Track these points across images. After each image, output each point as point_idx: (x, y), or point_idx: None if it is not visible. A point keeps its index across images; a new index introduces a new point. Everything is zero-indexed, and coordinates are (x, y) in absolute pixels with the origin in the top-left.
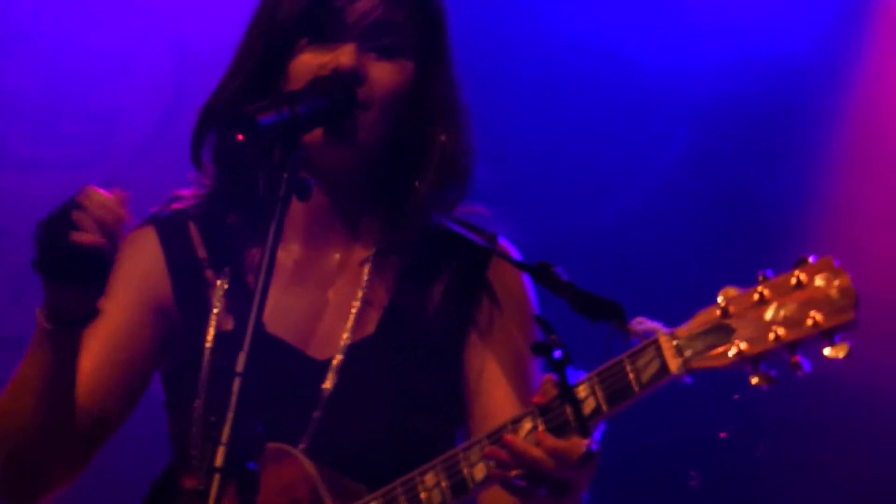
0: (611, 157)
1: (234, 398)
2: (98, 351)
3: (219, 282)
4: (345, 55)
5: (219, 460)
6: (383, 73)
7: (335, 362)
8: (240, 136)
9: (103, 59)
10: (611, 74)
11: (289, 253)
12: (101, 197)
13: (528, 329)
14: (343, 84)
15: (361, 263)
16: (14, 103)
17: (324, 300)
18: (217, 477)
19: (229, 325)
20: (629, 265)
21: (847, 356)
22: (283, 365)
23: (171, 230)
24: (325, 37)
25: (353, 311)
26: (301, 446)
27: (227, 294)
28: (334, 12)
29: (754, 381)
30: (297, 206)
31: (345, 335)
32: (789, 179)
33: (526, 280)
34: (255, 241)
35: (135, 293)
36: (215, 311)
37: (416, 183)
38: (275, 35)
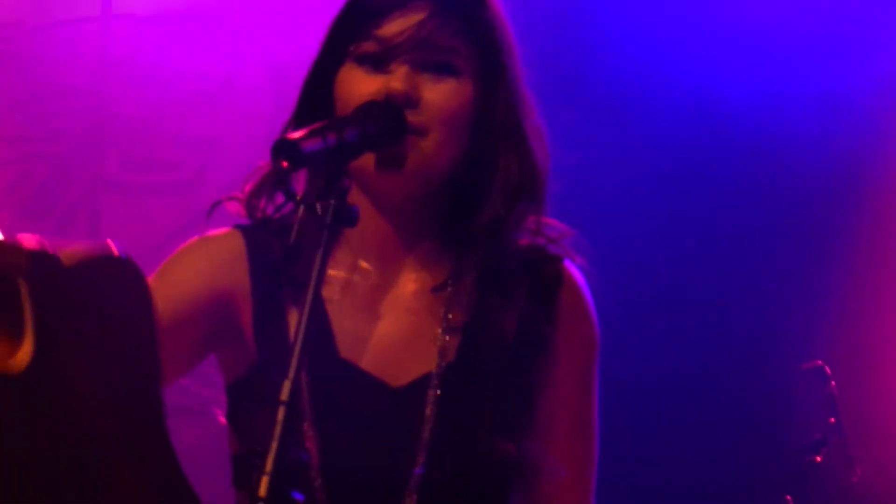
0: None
1: (278, 427)
2: None
3: (293, 310)
4: (396, 80)
5: (262, 490)
6: (439, 96)
7: (430, 392)
8: (284, 163)
9: (202, 82)
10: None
11: (363, 277)
12: None
13: (591, 356)
14: (392, 110)
15: (435, 290)
16: (113, 128)
17: (400, 327)
18: None
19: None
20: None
21: None
22: (367, 398)
23: (256, 239)
24: (375, 62)
25: (437, 337)
26: (414, 476)
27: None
28: (377, 36)
29: None
30: (368, 232)
31: (431, 361)
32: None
33: (590, 306)
34: (332, 257)
35: (203, 277)
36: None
37: (483, 209)
38: (322, 68)
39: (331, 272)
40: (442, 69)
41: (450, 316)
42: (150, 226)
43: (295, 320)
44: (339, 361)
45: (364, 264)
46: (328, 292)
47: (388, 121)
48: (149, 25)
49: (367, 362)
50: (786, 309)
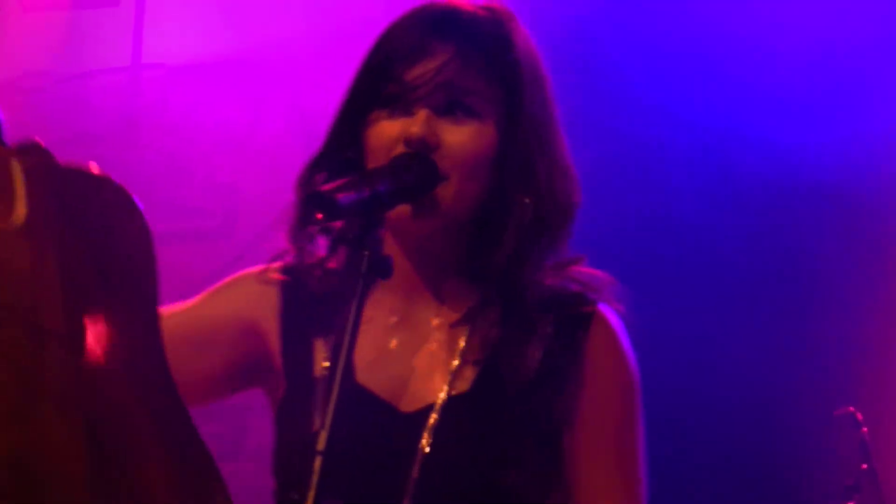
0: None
1: (315, 477)
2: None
3: (320, 342)
4: (415, 124)
5: None
6: (459, 140)
7: (431, 421)
8: (319, 215)
9: (230, 130)
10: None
11: (387, 311)
12: None
13: (626, 404)
14: (425, 161)
15: (456, 324)
16: (141, 176)
17: (418, 358)
18: None
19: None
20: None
21: None
22: (375, 419)
23: (291, 276)
24: (399, 106)
25: (451, 368)
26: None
27: (333, 355)
28: (400, 80)
29: None
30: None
31: (441, 392)
32: None
33: (626, 350)
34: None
35: (232, 308)
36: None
37: (498, 248)
38: (350, 109)
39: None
40: (462, 112)
41: (466, 348)
42: (178, 273)
43: (320, 355)
44: (355, 385)
45: (388, 299)
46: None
47: (421, 173)
48: (178, 74)
49: (381, 389)
50: (817, 355)
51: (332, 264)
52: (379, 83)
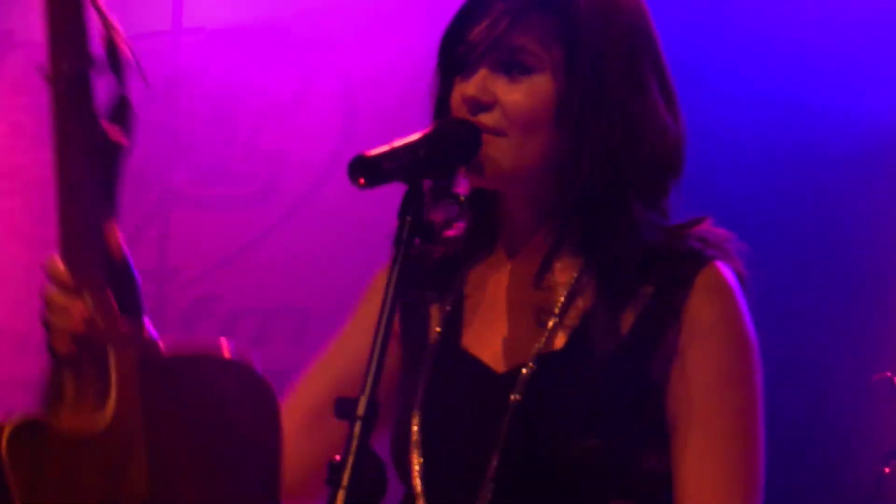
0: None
1: (354, 442)
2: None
3: (435, 308)
4: (470, 84)
5: None
6: (513, 97)
7: (522, 376)
8: (362, 180)
9: (272, 96)
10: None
11: (496, 273)
12: (61, 301)
13: (731, 363)
14: (464, 124)
15: (537, 279)
16: (183, 141)
17: (519, 319)
18: None
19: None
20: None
21: None
22: (473, 381)
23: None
24: (464, 65)
25: (546, 329)
26: (493, 462)
27: (444, 321)
28: (464, 41)
29: None
30: (499, 231)
31: (533, 350)
32: None
33: (734, 307)
34: (475, 267)
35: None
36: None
37: (563, 205)
38: (438, 76)
39: (468, 272)
40: (517, 69)
41: (562, 309)
42: (220, 239)
43: (434, 321)
44: (460, 351)
45: (500, 263)
46: (466, 288)
47: (460, 137)
48: (219, 39)
49: (482, 351)
50: (855, 320)
51: (450, 232)
52: (451, 46)
